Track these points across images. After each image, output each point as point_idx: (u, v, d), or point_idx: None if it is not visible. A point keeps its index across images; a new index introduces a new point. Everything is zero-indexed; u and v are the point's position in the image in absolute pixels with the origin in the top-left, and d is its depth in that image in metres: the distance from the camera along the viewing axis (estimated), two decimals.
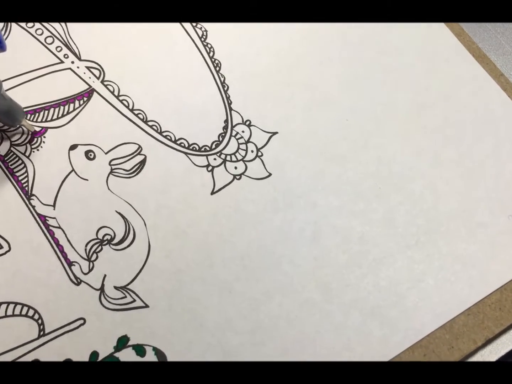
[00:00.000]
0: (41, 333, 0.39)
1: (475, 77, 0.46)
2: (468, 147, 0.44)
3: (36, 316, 0.39)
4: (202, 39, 0.47)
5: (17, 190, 0.42)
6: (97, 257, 0.41)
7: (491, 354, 0.39)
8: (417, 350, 0.39)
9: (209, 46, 0.47)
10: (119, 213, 0.42)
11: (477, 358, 0.39)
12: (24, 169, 0.43)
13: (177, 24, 0.47)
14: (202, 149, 0.44)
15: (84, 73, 0.45)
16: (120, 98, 0.45)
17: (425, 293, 0.40)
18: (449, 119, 0.45)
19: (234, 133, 0.44)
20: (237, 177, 0.43)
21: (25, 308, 0.39)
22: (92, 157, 0.43)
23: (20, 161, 0.43)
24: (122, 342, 0.39)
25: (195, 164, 0.43)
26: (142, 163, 0.43)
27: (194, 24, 0.47)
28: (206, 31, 0.47)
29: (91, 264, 0.41)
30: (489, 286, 0.40)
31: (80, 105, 0.44)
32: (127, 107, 0.44)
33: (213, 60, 0.46)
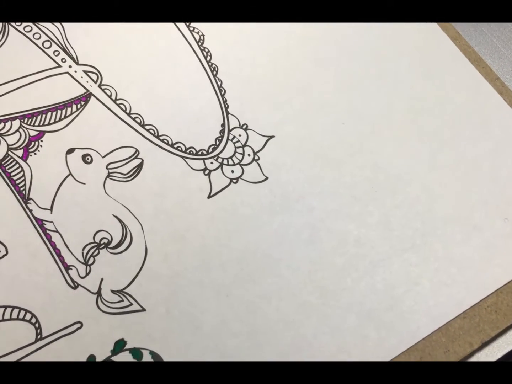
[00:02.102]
0: (38, 336, 0.39)
1: (471, 80, 0.46)
2: (464, 151, 0.44)
3: (33, 320, 0.39)
4: (199, 43, 0.47)
5: (14, 194, 0.42)
6: (94, 261, 0.41)
7: (487, 357, 0.39)
8: (413, 353, 0.39)
9: (206, 50, 0.47)
10: (116, 217, 0.42)
11: (473, 361, 0.39)
12: (21, 173, 0.43)
13: (174, 28, 0.47)
14: (199, 153, 0.44)
15: (82, 77, 0.45)
16: (118, 102, 0.45)
17: (421, 296, 0.40)
18: (445, 122, 0.45)
19: (231, 137, 0.44)
20: (234, 180, 0.43)
21: (22, 312, 0.40)
22: (89, 161, 0.43)
23: (17, 165, 0.43)
24: (119, 346, 0.39)
25: (192, 168, 0.43)
26: (139, 167, 0.43)
27: (191, 28, 0.47)
28: (203, 35, 0.47)
29: (88, 268, 0.41)
30: (485, 289, 0.41)
31: (77, 109, 0.45)
32: (124, 111, 0.45)
33: (210, 64, 0.46)
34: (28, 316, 0.40)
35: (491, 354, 0.39)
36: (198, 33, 0.47)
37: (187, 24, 0.47)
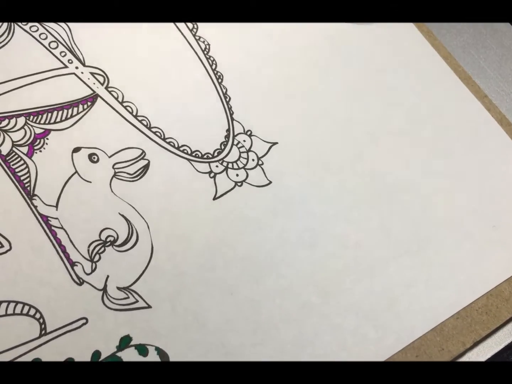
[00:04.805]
0: (43, 332, 0.39)
1: (462, 97, 0.49)
2: (455, 162, 0.47)
3: (38, 315, 0.39)
4: (205, 52, 0.48)
5: (18, 190, 0.42)
6: (100, 258, 0.41)
7: (478, 356, 0.42)
8: (410, 351, 0.41)
9: (211, 59, 0.48)
10: (122, 215, 0.42)
11: (464, 359, 0.41)
12: (26, 169, 0.43)
13: (181, 37, 0.49)
14: (205, 156, 0.45)
15: (88, 78, 0.46)
16: (124, 104, 0.46)
17: (416, 297, 0.42)
18: (438, 135, 0.48)
19: (235, 142, 0.46)
20: (239, 184, 0.45)
21: (26, 307, 0.39)
22: (95, 160, 0.44)
23: (22, 162, 0.43)
24: (125, 342, 0.40)
25: (197, 171, 0.44)
26: (146, 167, 0.44)
27: (197, 37, 0.49)
28: (209, 44, 0.49)
29: (93, 264, 0.41)
30: (476, 292, 0.43)
31: (84, 109, 0.45)
32: (131, 113, 0.45)
33: (215, 72, 0.48)
34: (32, 311, 0.39)
35: (482, 353, 0.42)
36: (204, 42, 0.49)
37: (193, 33, 0.49)
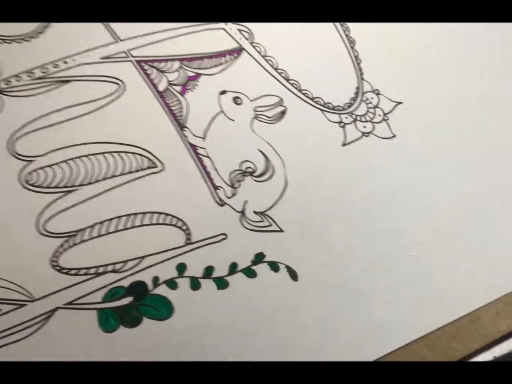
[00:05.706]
0: (188, 241, 0.44)
1: None
2: None
3: (184, 227, 0.45)
4: None
5: (172, 121, 0.48)
6: (239, 185, 0.46)
7: None
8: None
9: (345, 26, 0.53)
10: (261, 151, 0.48)
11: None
12: (179, 105, 0.49)
13: None
14: (336, 108, 0.50)
15: (236, 34, 0.52)
16: (266, 58, 0.51)
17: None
18: None
19: (364, 98, 0.50)
20: (366, 134, 0.49)
21: (175, 219, 0.45)
22: (239, 102, 0.49)
23: (175, 98, 0.49)
24: (259, 258, 0.44)
25: (329, 120, 0.49)
26: (283, 113, 0.49)
27: None
28: None
29: (234, 190, 0.46)
30: None
31: (230, 60, 0.51)
32: (272, 66, 0.51)
33: (348, 37, 0.53)
34: (179, 223, 0.45)
35: None
36: None
37: None
